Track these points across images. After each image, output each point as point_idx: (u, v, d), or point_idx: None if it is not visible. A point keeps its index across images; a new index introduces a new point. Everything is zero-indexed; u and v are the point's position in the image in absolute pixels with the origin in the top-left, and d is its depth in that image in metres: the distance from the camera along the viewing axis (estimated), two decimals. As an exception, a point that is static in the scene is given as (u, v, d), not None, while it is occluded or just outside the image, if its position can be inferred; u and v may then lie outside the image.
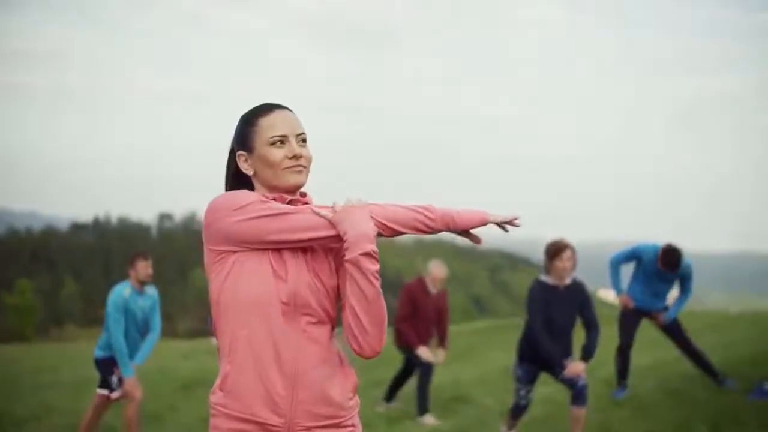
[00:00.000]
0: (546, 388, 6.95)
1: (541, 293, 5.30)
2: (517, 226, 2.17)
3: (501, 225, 2.17)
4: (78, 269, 66.28)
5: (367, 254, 1.97)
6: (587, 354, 5.28)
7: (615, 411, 6.39)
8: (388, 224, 2.06)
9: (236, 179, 2.18)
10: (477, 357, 11.38)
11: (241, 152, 2.13)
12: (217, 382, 2.07)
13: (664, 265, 6.50)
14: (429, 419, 7.04)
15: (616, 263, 6.85)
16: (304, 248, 2.06)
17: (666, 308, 6.81)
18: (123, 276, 6.24)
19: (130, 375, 5.94)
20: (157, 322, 6.30)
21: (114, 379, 6.04)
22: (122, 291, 6.02)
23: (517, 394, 5.53)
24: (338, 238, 2.02)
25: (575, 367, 5.18)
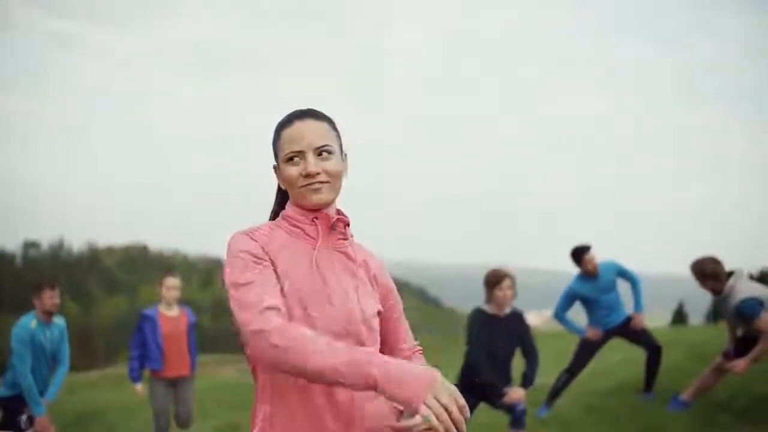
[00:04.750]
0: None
1: (482, 322, 5.29)
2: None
3: None
4: (-67, 302, 61.65)
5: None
6: (528, 381, 5.32)
7: (541, 430, 6.44)
8: None
9: (281, 191, 2.05)
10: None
11: (274, 165, 1.98)
12: (257, 422, 1.84)
13: (584, 267, 6.72)
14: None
15: (561, 313, 6.98)
16: (351, 273, 1.91)
17: (629, 318, 6.97)
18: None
19: (41, 413, 5.51)
20: (65, 353, 5.90)
21: (23, 418, 5.59)
22: (27, 323, 5.60)
23: None
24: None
25: (515, 393, 5.19)
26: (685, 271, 5.97)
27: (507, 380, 5.32)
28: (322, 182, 1.88)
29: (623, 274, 6.93)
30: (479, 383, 5.25)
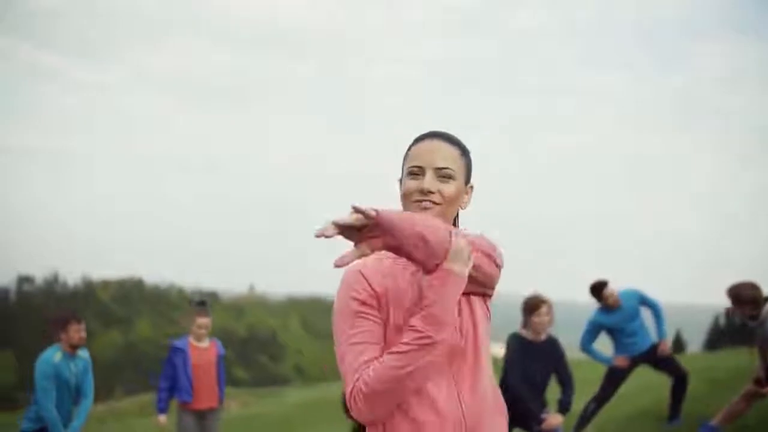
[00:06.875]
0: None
1: (519, 347, 5.30)
2: None
3: None
4: (-75, 339, 61.09)
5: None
6: (564, 407, 5.33)
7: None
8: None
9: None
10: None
11: (399, 178, 1.98)
12: None
13: (606, 302, 6.72)
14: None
15: (588, 345, 7.01)
16: (466, 294, 1.87)
17: (655, 345, 6.98)
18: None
19: (65, 447, 5.45)
20: (90, 387, 5.86)
21: (48, 452, 5.52)
22: (51, 357, 5.57)
23: None
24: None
25: (554, 418, 5.19)
26: (681, 300, 5.99)
27: (542, 405, 5.31)
28: (434, 203, 1.88)
29: (645, 301, 6.97)
30: (513, 408, 5.22)
